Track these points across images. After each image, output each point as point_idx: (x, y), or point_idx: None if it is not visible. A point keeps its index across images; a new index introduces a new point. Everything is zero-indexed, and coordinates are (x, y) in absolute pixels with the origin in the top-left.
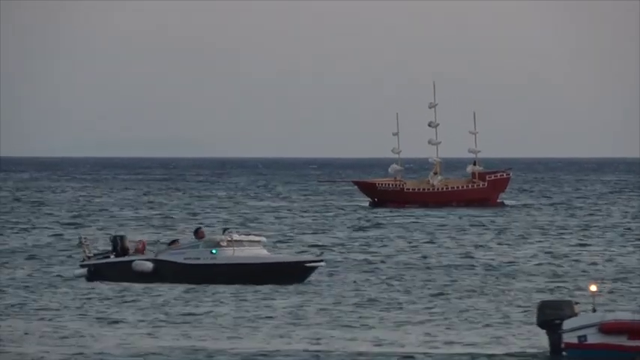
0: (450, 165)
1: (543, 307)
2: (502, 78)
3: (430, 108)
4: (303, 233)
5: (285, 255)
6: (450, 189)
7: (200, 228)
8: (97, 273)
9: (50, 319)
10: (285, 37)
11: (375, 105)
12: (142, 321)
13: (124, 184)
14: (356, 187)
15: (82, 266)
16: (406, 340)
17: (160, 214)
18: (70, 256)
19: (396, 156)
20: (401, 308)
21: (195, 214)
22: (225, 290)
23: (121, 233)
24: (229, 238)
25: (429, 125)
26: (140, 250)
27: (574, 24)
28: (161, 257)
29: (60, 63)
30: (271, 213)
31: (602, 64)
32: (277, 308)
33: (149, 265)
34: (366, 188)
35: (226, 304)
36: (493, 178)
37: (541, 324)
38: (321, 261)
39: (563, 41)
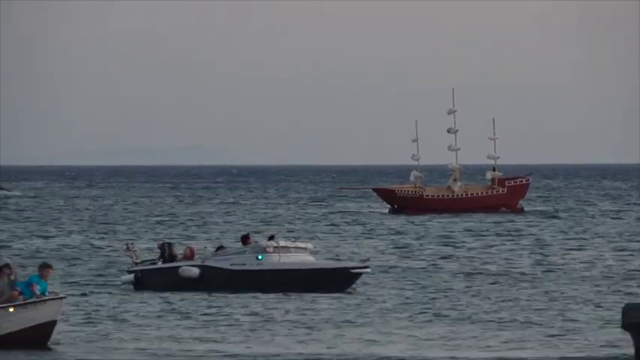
0: (469, 171)
1: (629, 309)
2: (522, 84)
3: (449, 114)
4: (343, 240)
5: (331, 261)
6: (469, 195)
7: (248, 234)
8: (143, 279)
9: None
10: (301, 44)
11: (395, 111)
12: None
13: (171, 192)
14: (375, 194)
15: (130, 272)
16: (474, 348)
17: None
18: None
19: (416, 163)
20: (467, 317)
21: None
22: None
23: (169, 241)
24: (276, 244)
25: (448, 132)
26: (189, 257)
27: (583, 28)
28: (208, 263)
29: (59, 67)
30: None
31: (617, 71)
32: (322, 314)
33: (195, 271)
34: (386, 195)
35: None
36: (512, 184)
37: (626, 326)
38: (367, 267)
39: (584, 47)
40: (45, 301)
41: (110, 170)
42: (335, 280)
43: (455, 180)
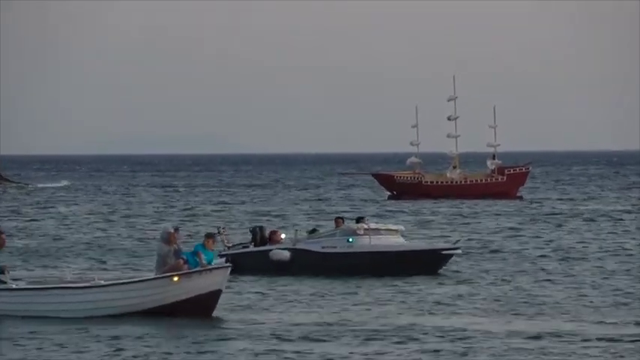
0: (469, 159)
1: None
2: (523, 71)
3: (449, 101)
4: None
5: (421, 243)
6: (468, 182)
7: (340, 217)
8: (234, 263)
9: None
10: (300, 29)
11: (395, 97)
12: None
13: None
14: (375, 179)
15: (220, 256)
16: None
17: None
18: None
19: (415, 149)
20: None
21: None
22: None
23: (261, 224)
24: (366, 226)
25: (449, 119)
26: (276, 240)
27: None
28: (299, 246)
29: (61, 60)
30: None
31: (619, 61)
32: (412, 295)
33: (286, 255)
34: (385, 181)
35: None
36: (512, 172)
37: None
38: (457, 249)
39: (585, 37)
40: (210, 270)
41: (121, 159)
42: (426, 262)
43: (454, 167)
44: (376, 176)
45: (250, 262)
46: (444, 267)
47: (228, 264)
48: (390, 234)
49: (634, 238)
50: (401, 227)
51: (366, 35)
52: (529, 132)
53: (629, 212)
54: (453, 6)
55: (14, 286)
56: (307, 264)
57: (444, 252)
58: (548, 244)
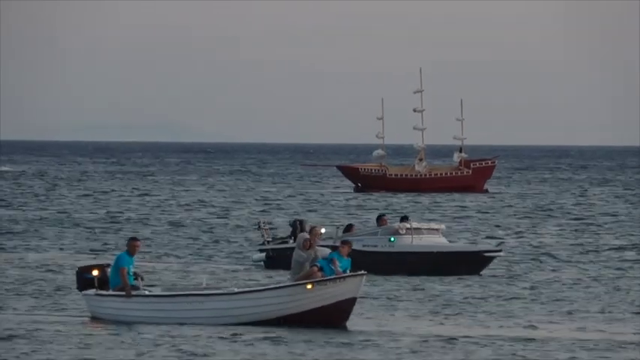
0: (435, 152)
1: None
2: (490, 63)
3: (415, 93)
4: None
5: (463, 244)
6: (433, 176)
7: (383, 215)
8: (275, 258)
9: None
10: (271, 21)
11: (360, 90)
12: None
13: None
14: (339, 171)
15: (261, 251)
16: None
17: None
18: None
19: (380, 141)
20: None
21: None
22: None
23: (302, 217)
24: (408, 226)
25: (415, 111)
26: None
27: (563, 9)
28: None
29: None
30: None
31: (593, 51)
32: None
33: (327, 252)
34: (350, 173)
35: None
36: (478, 165)
37: None
38: (500, 251)
39: (553, 28)
40: (344, 278)
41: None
42: (468, 264)
43: (420, 160)
44: (341, 168)
45: (290, 258)
46: (485, 269)
47: (363, 272)
48: (431, 233)
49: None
50: (442, 226)
51: (332, 24)
52: (497, 125)
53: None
54: None
55: (147, 293)
56: None
57: (487, 254)
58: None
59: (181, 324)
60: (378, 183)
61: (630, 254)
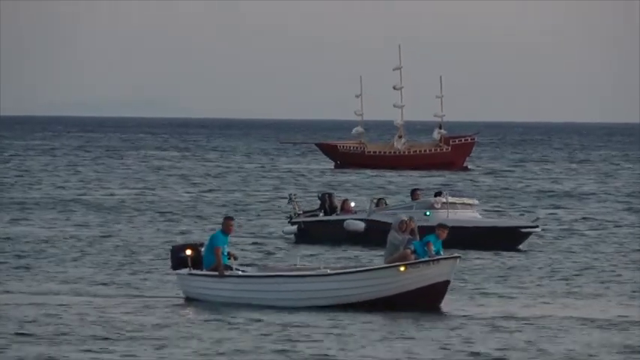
0: (413, 128)
1: None
2: (471, 40)
3: (394, 70)
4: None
5: (499, 219)
6: (412, 153)
7: (417, 189)
8: (306, 231)
9: None
10: None
11: (340, 66)
12: None
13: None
14: (318, 149)
15: (292, 223)
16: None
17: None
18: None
19: (359, 118)
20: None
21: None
22: None
23: (330, 191)
24: (444, 200)
25: (394, 88)
26: (347, 210)
27: None
28: (374, 217)
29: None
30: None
31: (580, 27)
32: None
33: (361, 225)
34: (328, 150)
35: None
36: (457, 142)
37: None
38: (537, 227)
39: (534, 5)
40: (438, 260)
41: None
42: (503, 239)
43: (400, 137)
44: (319, 146)
45: (322, 231)
46: (521, 244)
47: (457, 254)
48: (465, 208)
49: None
50: (475, 201)
51: (314, 2)
52: (476, 102)
53: None
54: None
55: (240, 273)
56: (381, 236)
57: (524, 229)
58: None
59: (272, 306)
60: (356, 160)
61: None
